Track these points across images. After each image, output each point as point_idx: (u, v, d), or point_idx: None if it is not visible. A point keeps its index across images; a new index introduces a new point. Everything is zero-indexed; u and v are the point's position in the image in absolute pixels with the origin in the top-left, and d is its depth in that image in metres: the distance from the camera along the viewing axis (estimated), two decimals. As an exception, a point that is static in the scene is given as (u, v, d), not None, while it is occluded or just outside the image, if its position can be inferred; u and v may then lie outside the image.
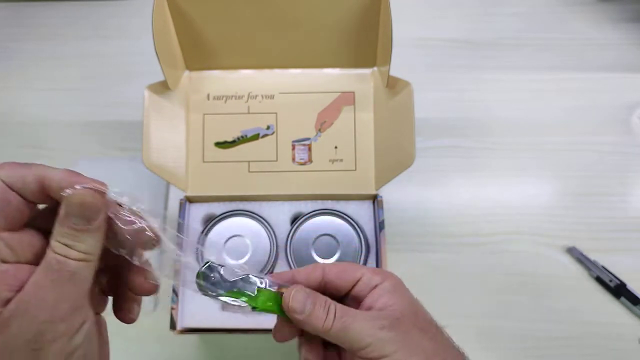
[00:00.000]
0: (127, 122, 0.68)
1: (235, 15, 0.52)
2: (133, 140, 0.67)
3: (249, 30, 0.53)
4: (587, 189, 0.64)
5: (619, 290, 0.57)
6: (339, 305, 0.31)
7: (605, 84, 0.70)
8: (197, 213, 0.55)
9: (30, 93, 0.71)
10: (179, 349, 0.57)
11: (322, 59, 0.56)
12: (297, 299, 0.30)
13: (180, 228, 0.53)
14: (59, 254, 0.25)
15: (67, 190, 0.26)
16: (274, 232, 0.54)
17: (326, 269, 0.33)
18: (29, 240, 0.27)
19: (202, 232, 0.54)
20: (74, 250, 0.26)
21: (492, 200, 0.63)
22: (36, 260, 0.26)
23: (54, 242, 0.26)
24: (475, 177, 0.65)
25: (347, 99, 0.56)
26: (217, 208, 0.55)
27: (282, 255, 0.53)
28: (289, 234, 0.54)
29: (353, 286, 0.32)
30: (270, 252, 0.53)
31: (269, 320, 0.49)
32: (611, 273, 0.58)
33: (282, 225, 0.55)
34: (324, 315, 0.30)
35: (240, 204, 0.55)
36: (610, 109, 0.69)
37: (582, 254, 0.59)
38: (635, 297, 0.57)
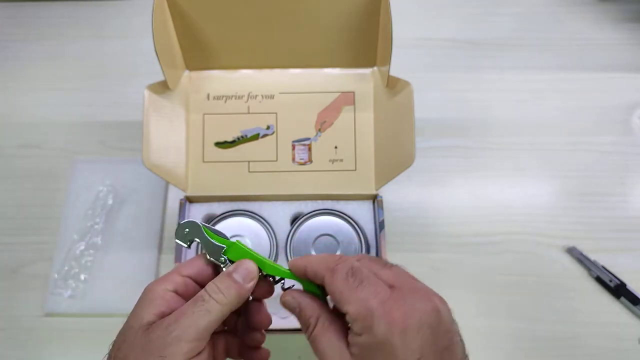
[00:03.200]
0: (127, 122, 0.68)
1: (235, 15, 0.52)
2: (133, 140, 0.67)
3: (249, 30, 0.53)
4: (587, 189, 0.64)
5: (619, 290, 0.57)
6: (321, 323, 0.31)
7: (605, 84, 0.70)
8: (197, 213, 0.55)
9: (30, 93, 0.71)
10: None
11: (322, 59, 0.56)
12: (289, 305, 0.33)
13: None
14: (208, 293, 0.32)
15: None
16: (274, 232, 0.54)
17: (326, 283, 0.31)
18: (194, 287, 0.34)
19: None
20: (220, 294, 0.32)
21: (492, 200, 0.63)
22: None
23: (210, 284, 0.33)
24: (475, 177, 0.65)
25: (347, 99, 0.56)
26: (217, 208, 0.55)
27: (282, 255, 0.53)
28: (289, 234, 0.54)
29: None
30: (270, 252, 0.53)
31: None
32: (611, 273, 0.58)
33: (282, 225, 0.55)
34: (304, 328, 0.32)
35: (240, 204, 0.55)
36: (610, 109, 0.69)
37: (582, 254, 0.59)
38: (635, 297, 0.57)
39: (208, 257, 0.35)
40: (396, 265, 0.32)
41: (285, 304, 0.34)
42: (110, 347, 0.32)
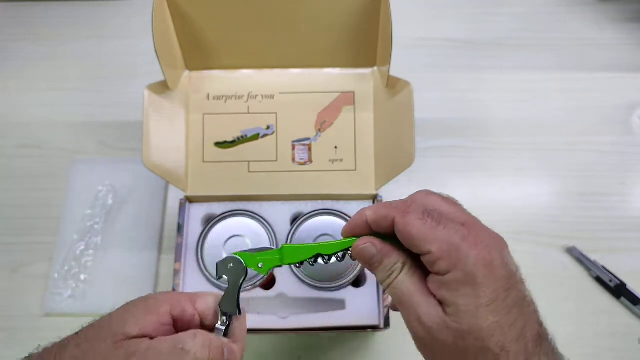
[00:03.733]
0: (127, 122, 0.68)
1: (235, 15, 0.52)
2: (133, 140, 0.67)
3: (249, 30, 0.53)
4: (586, 189, 0.64)
5: (619, 290, 0.57)
6: (407, 270, 0.30)
7: (605, 84, 0.70)
8: (197, 213, 0.55)
9: (30, 93, 0.71)
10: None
11: (322, 59, 0.56)
12: (367, 252, 0.31)
13: (179, 228, 0.53)
14: (195, 347, 0.30)
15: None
16: (274, 232, 0.54)
17: (398, 224, 0.30)
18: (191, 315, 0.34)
19: (202, 232, 0.54)
20: (205, 351, 0.30)
21: (492, 200, 0.63)
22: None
23: (203, 337, 0.30)
24: (475, 177, 0.65)
25: (347, 99, 0.56)
26: (217, 208, 0.55)
27: (282, 255, 0.53)
28: (289, 234, 0.54)
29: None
30: (270, 252, 0.53)
31: (268, 321, 0.49)
32: (611, 273, 0.58)
33: (282, 225, 0.55)
34: (384, 276, 0.30)
35: (240, 204, 0.55)
36: (610, 109, 0.69)
37: (582, 254, 0.59)
38: (635, 297, 0.57)
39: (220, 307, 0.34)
40: (454, 200, 0.32)
41: (362, 252, 0.31)
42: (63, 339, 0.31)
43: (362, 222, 0.32)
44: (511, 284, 0.28)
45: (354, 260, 0.34)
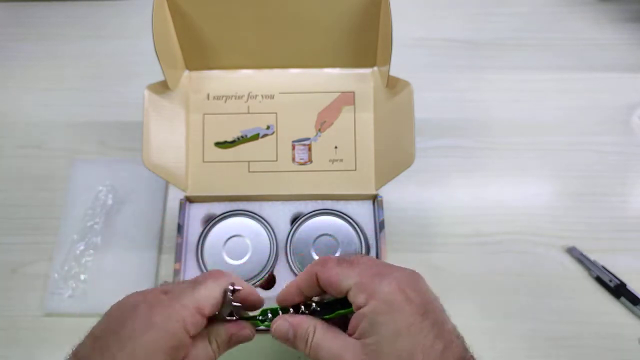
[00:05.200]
0: (127, 122, 0.68)
1: (235, 15, 0.52)
2: (133, 140, 0.67)
3: (249, 30, 0.53)
4: (587, 189, 0.64)
5: (619, 290, 0.57)
6: (320, 330, 0.32)
7: (605, 84, 0.70)
8: (197, 213, 0.55)
9: (30, 93, 0.71)
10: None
11: (322, 59, 0.56)
12: (280, 330, 0.34)
13: (179, 228, 0.53)
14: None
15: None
16: (274, 232, 0.54)
17: (320, 276, 0.33)
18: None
19: (202, 232, 0.54)
20: None
21: (492, 200, 0.63)
22: None
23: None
24: (475, 177, 0.65)
25: (347, 99, 0.56)
26: (217, 208, 0.55)
27: (282, 255, 0.53)
28: (289, 234, 0.54)
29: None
30: (270, 252, 0.53)
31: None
32: (611, 273, 0.58)
33: (282, 225, 0.55)
34: (302, 344, 0.33)
35: (240, 204, 0.55)
36: (610, 109, 0.69)
37: (582, 254, 0.59)
38: (635, 297, 0.57)
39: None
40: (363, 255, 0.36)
41: (277, 330, 0.34)
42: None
43: (293, 290, 0.35)
44: (428, 309, 0.30)
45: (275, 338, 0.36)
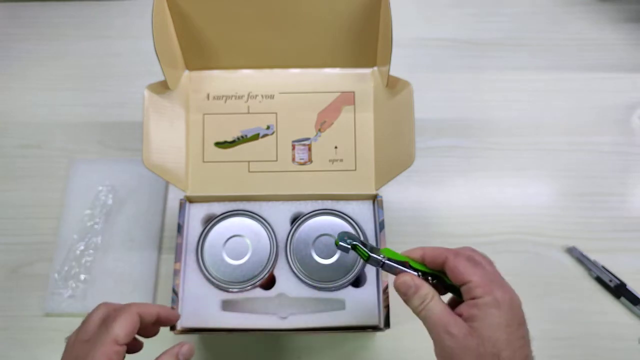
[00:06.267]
0: (127, 122, 0.68)
1: (235, 15, 0.52)
2: (133, 140, 0.67)
3: (249, 30, 0.53)
4: (587, 189, 0.64)
5: (619, 290, 0.57)
6: (437, 299, 0.38)
7: (605, 84, 0.70)
8: (197, 213, 0.55)
9: (30, 93, 0.71)
10: (179, 349, 0.57)
11: (322, 59, 0.56)
12: (407, 284, 0.39)
13: (179, 228, 0.53)
14: None
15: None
16: (274, 232, 0.54)
17: (450, 261, 0.39)
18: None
19: (202, 232, 0.54)
20: None
21: (492, 200, 0.63)
22: None
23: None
24: (475, 177, 0.65)
25: (347, 98, 0.56)
26: (217, 208, 0.55)
27: (282, 255, 0.53)
28: (289, 234, 0.54)
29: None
30: (270, 252, 0.53)
31: (267, 321, 0.50)
32: (611, 273, 0.58)
33: (282, 225, 0.55)
34: (418, 302, 0.38)
35: (240, 204, 0.55)
36: (610, 109, 0.69)
37: (582, 254, 0.59)
38: (635, 297, 0.57)
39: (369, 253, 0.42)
40: (490, 260, 0.41)
41: (402, 284, 0.39)
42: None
43: (419, 253, 0.41)
44: (523, 323, 0.37)
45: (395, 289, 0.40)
